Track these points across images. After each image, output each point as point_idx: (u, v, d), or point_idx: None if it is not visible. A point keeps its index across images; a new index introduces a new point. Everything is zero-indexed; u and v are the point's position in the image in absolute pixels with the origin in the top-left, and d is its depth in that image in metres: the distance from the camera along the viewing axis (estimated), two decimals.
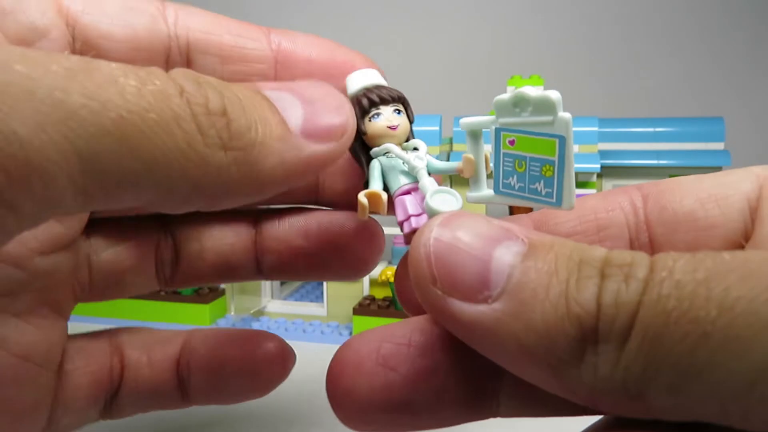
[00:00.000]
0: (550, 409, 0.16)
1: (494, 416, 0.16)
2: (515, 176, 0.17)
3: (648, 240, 0.18)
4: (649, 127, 0.51)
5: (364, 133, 0.19)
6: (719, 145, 0.49)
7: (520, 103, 0.16)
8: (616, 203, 0.19)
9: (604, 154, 0.49)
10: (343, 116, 0.16)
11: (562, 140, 0.15)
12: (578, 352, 0.12)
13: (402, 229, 0.18)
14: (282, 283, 0.52)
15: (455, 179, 0.41)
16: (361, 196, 0.18)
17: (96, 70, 0.12)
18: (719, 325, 0.11)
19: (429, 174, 0.18)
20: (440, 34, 0.72)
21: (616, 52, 0.68)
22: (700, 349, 0.11)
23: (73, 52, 0.18)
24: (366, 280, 0.46)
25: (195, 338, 0.23)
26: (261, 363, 0.23)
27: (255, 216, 0.23)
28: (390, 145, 0.19)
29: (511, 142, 0.17)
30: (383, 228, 0.23)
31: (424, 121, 0.45)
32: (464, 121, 0.18)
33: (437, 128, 0.45)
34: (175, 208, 0.14)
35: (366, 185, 0.19)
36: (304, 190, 0.22)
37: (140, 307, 0.48)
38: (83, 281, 0.21)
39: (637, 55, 0.67)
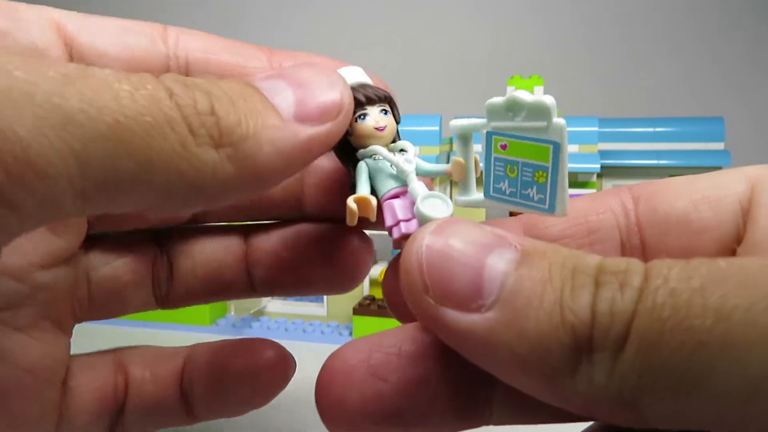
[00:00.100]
0: (543, 417, 0.15)
1: (486, 424, 0.16)
2: (506, 181, 0.16)
3: (639, 243, 0.18)
4: (649, 127, 0.51)
5: (350, 134, 0.18)
6: (719, 145, 0.49)
7: (513, 107, 0.16)
8: (606, 205, 0.18)
9: (604, 154, 0.49)
10: (336, 94, 0.16)
11: (557, 146, 0.15)
12: (573, 361, 0.12)
13: (391, 235, 0.18)
14: None
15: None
16: (350, 202, 0.18)
17: (91, 76, 0.12)
18: (715, 334, 0.11)
19: (417, 177, 0.18)
20: (440, 34, 0.72)
21: (616, 52, 0.68)
22: (696, 358, 0.11)
23: None
24: (366, 280, 0.46)
25: (197, 352, 0.23)
26: (261, 371, 0.23)
27: (245, 231, 0.23)
28: (378, 147, 0.18)
29: (503, 147, 0.16)
30: (378, 231, 0.23)
31: (424, 121, 0.45)
32: (455, 123, 0.18)
33: (437, 128, 0.45)
34: (177, 209, 0.14)
35: (352, 187, 0.19)
36: (288, 204, 0.22)
37: None
38: (83, 298, 0.21)
39: (637, 55, 0.67)
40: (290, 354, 0.23)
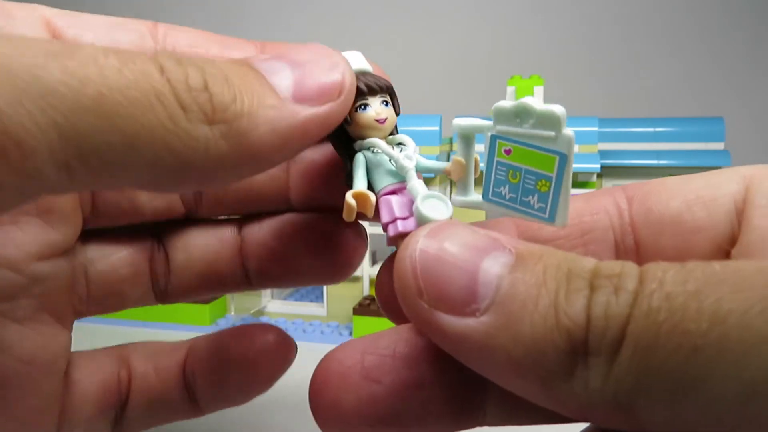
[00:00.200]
0: (537, 418, 0.15)
1: (481, 425, 0.16)
2: (507, 186, 0.16)
3: (633, 243, 0.18)
4: (649, 127, 0.51)
5: (349, 123, 0.18)
6: (719, 145, 0.49)
7: (522, 113, 0.15)
8: (600, 206, 0.18)
9: (604, 154, 0.49)
10: (338, 75, 0.15)
11: (563, 158, 0.15)
12: (568, 365, 0.12)
13: (386, 232, 0.17)
14: None
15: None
16: (349, 197, 0.17)
17: (77, 51, 0.12)
18: (711, 338, 0.10)
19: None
20: (440, 34, 0.72)
21: (616, 52, 0.68)
22: (691, 362, 0.11)
23: None
24: (366, 280, 0.46)
25: (199, 343, 0.23)
26: (260, 355, 0.22)
27: (239, 223, 0.23)
28: (377, 141, 0.18)
29: (507, 152, 0.16)
30: (366, 221, 0.22)
31: (424, 121, 0.45)
32: (458, 122, 0.17)
33: (437, 128, 0.45)
34: (168, 186, 0.14)
35: (347, 178, 0.18)
36: (274, 195, 0.22)
37: (141, 307, 0.48)
38: (81, 291, 0.21)
39: (637, 55, 0.67)
40: (291, 337, 0.23)
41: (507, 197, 0.16)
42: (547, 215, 0.16)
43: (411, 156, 0.17)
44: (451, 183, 0.43)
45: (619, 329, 0.11)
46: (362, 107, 0.18)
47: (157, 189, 0.14)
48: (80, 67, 0.12)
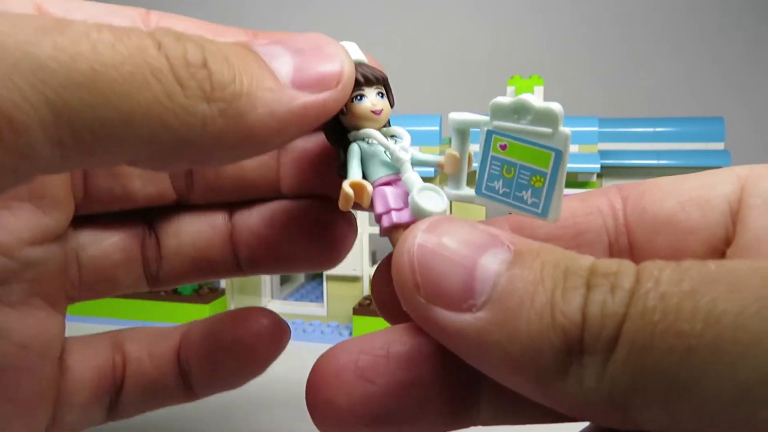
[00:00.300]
0: (532, 417, 0.15)
1: (475, 425, 0.16)
2: (501, 181, 0.16)
3: (627, 243, 0.18)
4: (649, 127, 0.51)
5: (344, 113, 0.18)
6: (719, 145, 0.49)
7: (520, 110, 0.15)
8: (594, 206, 0.18)
9: (604, 154, 0.49)
10: (337, 64, 0.15)
11: (559, 154, 0.15)
12: (564, 363, 0.12)
13: (380, 222, 0.17)
14: (282, 283, 0.52)
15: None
16: (346, 186, 0.17)
17: (69, 27, 0.12)
18: (705, 338, 0.10)
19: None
20: (440, 34, 0.72)
21: (616, 52, 0.68)
22: (686, 362, 0.11)
23: None
24: (366, 280, 0.46)
25: (193, 328, 0.23)
26: (254, 339, 0.23)
27: (230, 210, 0.23)
28: (373, 132, 0.18)
29: (503, 147, 0.16)
30: (374, 226, 0.22)
31: (424, 121, 0.45)
32: (454, 116, 0.17)
33: (437, 128, 0.45)
34: (163, 164, 0.14)
35: (341, 168, 0.18)
36: (267, 184, 0.22)
37: (140, 307, 0.48)
38: (73, 277, 0.21)
39: (637, 55, 0.67)
40: (284, 322, 0.23)
41: (500, 192, 0.17)
42: (540, 210, 0.16)
43: (406, 148, 0.17)
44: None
45: (614, 328, 0.11)
46: (358, 98, 0.18)
47: (152, 166, 0.14)
48: (72, 42, 0.11)
